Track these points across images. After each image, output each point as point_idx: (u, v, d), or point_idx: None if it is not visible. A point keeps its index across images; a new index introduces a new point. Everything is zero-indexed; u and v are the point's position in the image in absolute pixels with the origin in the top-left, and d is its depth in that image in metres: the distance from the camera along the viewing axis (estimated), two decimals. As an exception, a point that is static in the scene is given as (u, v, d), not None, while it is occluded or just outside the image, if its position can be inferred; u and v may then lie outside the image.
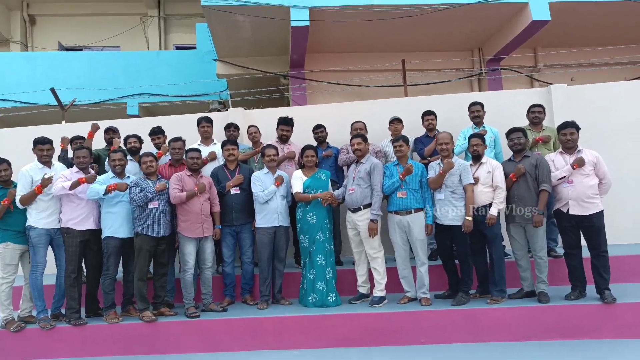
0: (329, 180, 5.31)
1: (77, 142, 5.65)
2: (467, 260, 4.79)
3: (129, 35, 14.72)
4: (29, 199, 4.70)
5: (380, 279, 4.95)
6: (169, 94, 11.70)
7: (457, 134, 5.71)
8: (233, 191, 5.32)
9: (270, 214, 5.14)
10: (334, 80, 8.74)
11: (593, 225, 4.48)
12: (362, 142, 5.07)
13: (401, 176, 4.82)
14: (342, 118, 6.44)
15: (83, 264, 5.03)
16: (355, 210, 5.00)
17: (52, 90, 7.06)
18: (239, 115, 6.72)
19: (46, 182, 4.71)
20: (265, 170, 5.30)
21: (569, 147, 4.64)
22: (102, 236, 4.91)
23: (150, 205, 4.85)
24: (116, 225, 4.89)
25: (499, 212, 4.72)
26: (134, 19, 14.94)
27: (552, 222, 5.25)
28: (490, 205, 4.70)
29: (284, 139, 5.95)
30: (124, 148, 5.68)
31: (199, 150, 5.19)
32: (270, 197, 5.13)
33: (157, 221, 4.85)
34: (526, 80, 9.74)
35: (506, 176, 4.75)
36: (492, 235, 4.70)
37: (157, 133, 5.90)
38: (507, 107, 6.36)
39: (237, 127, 6.25)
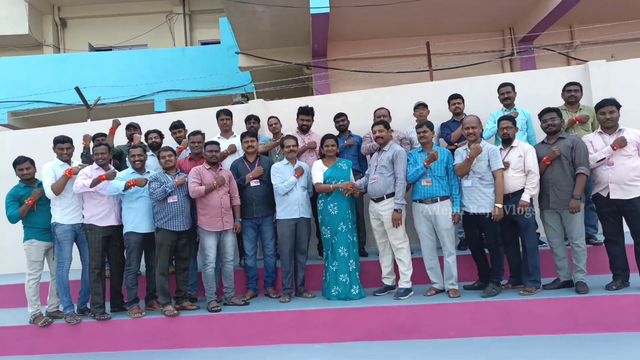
0: (350, 170, 5.13)
1: (99, 139, 5.68)
2: (498, 250, 4.52)
3: (156, 33, 14.91)
4: (61, 185, 4.74)
5: (406, 270, 4.75)
6: (195, 89, 11.78)
7: (486, 118, 5.42)
8: (253, 183, 5.22)
9: (290, 206, 5.02)
10: (357, 68, 8.51)
11: (636, 210, 4.13)
12: (384, 129, 4.85)
13: (425, 163, 4.59)
14: (365, 106, 6.24)
15: (106, 260, 5.06)
16: (378, 199, 4.81)
17: (77, 89, 7.15)
18: (259, 107, 6.61)
19: (76, 170, 4.78)
20: (285, 161, 5.16)
21: (609, 126, 4.29)
22: (124, 232, 4.90)
23: (170, 200, 4.80)
24: (137, 220, 4.88)
25: (531, 199, 4.43)
26: (160, 17, 15.11)
27: (590, 207, 4.91)
28: (523, 191, 4.41)
29: (304, 129, 5.81)
30: (145, 143, 5.67)
31: (217, 144, 5.10)
32: (290, 188, 5.00)
33: (176, 215, 4.80)
34: (562, 59, 9.22)
35: (539, 160, 4.44)
36: (524, 223, 4.42)
37: (177, 127, 5.87)
38: (540, 88, 5.99)
39: (257, 119, 6.15)
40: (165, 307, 4.79)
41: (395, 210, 4.65)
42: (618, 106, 4.28)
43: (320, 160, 5.13)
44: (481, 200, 4.47)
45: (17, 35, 14.01)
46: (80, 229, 4.92)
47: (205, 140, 5.34)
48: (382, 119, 5.60)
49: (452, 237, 4.63)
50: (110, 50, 14.69)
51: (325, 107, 6.26)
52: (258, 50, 9.04)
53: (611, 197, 4.19)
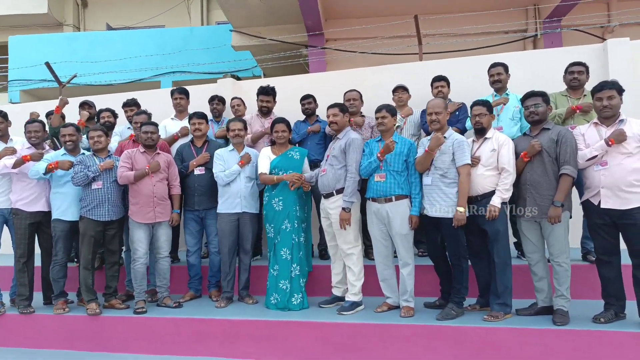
0: (304, 160, 4.44)
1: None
2: (460, 263, 3.72)
3: (173, 13, 14.60)
4: None
5: (355, 280, 4.04)
6: (202, 70, 11.35)
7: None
8: (197, 171, 4.65)
9: (232, 198, 4.40)
10: (356, 47, 7.72)
11: (636, 224, 3.22)
12: (339, 112, 4.13)
13: (379, 155, 3.84)
14: (346, 87, 5.48)
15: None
16: (327, 195, 4.11)
17: (47, 64, 6.79)
18: (227, 87, 5.99)
19: (3, 153, 4.38)
20: (231, 147, 4.55)
21: (607, 116, 3.38)
22: (52, 219, 4.47)
23: (94, 186, 4.31)
24: (64, 206, 4.43)
25: (506, 204, 3.60)
26: (178, -1, 14.80)
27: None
28: (494, 193, 3.59)
29: (264, 111, 5.15)
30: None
31: (154, 124, 4.54)
32: (231, 178, 4.38)
33: (101, 203, 4.30)
34: (595, 42, 7.99)
35: (517, 156, 3.60)
36: (493, 232, 3.59)
37: (130, 105, 5.37)
38: (544, 70, 5.04)
39: (222, 100, 5.58)
40: (88, 305, 4.34)
41: (343, 208, 3.93)
42: (620, 90, 3.36)
43: (269, 148, 4.47)
44: (442, 201, 3.67)
45: (37, 14, 14.05)
46: (9, 213, 4.53)
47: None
48: (352, 103, 4.90)
49: (408, 244, 3.87)
50: (127, 30, 14.50)
51: (297, 88, 5.56)
52: (252, 29, 8.41)
53: (602, 205, 3.30)
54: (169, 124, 5.27)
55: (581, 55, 5.07)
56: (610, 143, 3.24)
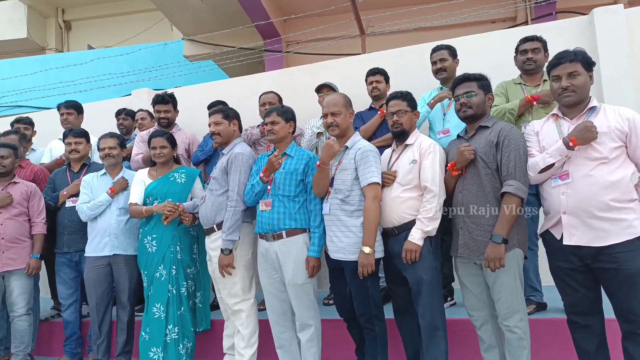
0: (192, 183, 3.41)
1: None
2: (372, 325, 2.58)
3: (156, 30, 14.01)
4: None
5: (244, 348, 2.94)
6: (177, 85, 10.59)
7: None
8: (69, 203, 3.68)
9: (99, 237, 3.40)
10: (317, 48, 6.70)
11: (619, 269, 2.04)
12: (222, 120, 3.10)
13: (262, 173, 2.78)
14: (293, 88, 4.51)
15: None
16: (208, 231, 3.07)
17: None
18: (143, 99, 5.06)
19: None
20: (103, 171, 3.57)
21: (568, 102, 2.22)
22: None
23: None
24: None
25: (430, 239, 2.47)
26: (160, 14, 14.21)
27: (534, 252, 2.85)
28: (414, 223, 2.47)
29: (163, 124, 4.15)
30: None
31: (8, 146, 3.61)
32: (97, 211, 3.39)
33: None
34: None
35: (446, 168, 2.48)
36: (415, 281, 2.45)
37: (23, 122, 4.49)
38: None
39: (130, 114, 4.65)
40: None
41: (221, 250, 2.88)
42: (588, 64, 2.20)
43: (146, 169, 3.47)
44: (343, 237, 2.57)
45: (16, 39, 13.67)
46: None
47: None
48: (267, 107, 3.86)
49: (307, 297, 2.76)
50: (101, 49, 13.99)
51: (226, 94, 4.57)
52: (205, 37, 7.51)
53: (565, 241, 2.13)
54: (55, 146, 4.37)
55: (564, 31, 3.92)
56: (571, 144, 2.08)
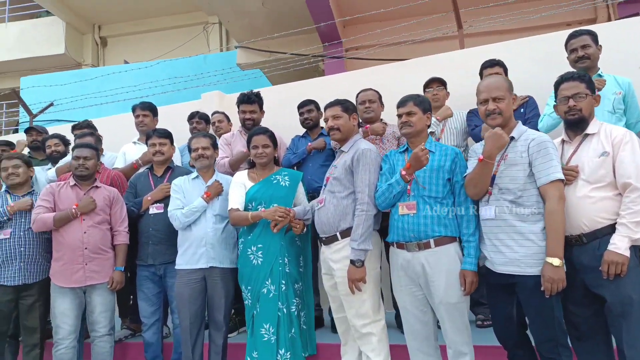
0: (296, 187, 3.02)
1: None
2: (556, 351, 2.10)
3: (192, 44, 13.93)
4: None
5: (377, 380, 2.49)
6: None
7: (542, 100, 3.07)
8: (154, 209, 3.31)
9: (194, 248, 3.01)
10: (379, 53, 6.33)
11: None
12: (342, 113, 2.71)
13: (403, 171, 2.36)
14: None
15: None
16: (328, 240, 2.64)
17: (15, 93, 5.82)
18: (214, 102, 4.72)
19: None
20: (195, 174, 3.20)
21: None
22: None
23: (0, 236, 3.04)
24: (-34, 267, 3.18)
25: (635, 249, 2.01)
26: (196, 29, 14.19)
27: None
28: (613, 229, 2.02)
29: (248, 125, 3.78)
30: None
31: (90, 147, 3.27)
32: (193, 218, 3.01)
33: (8, 260, 3.04)
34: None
35: None
36: (618, 301, 1.99)
37: (82, 128, 4.17)
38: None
39: (204, 117, 4.33)
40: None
41: (351, 262, 2.45)
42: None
43: (245, 172, 3.09)
44: (516, 247, 2.13)
45: (54, 55, 13.67)
46: None
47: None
48: (368, 106, 3.47)
49: (461, 319, 2.31)
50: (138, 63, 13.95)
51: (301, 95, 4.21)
52: (260, 43, 7.21)
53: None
54: (129, 150, 4.03)
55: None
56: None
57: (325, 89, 4.43)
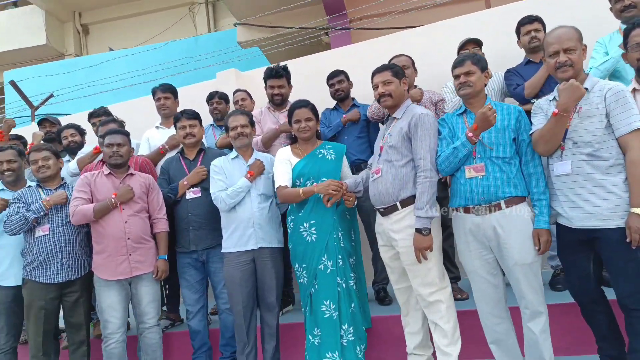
0: (342, 159, 2.93)
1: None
2: (638, 310, 2.09)
3: (178, 27, 13.53)
4: None
5: (447, 346, 2.45)
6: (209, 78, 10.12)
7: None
8: (190, 194, 3.19)
9: (241, 230, 2.91)
10: (387, 23, 6.20)
11: None
12: (393, 78, 2.60)
13: (469, 133, 2.28)
14: (382, 61, 3.98)
15: None
16: (387, 210, 2.56)
17: (12, 83, 5.58)
18: (230, 81, 4.57)
19: None
20: (234, 153, 3.08)
21: None
22: (-9, 284, 3.09)
23: (38, 232, 2.91)
24: (3, 267, 3.06)
25: None
26: (182, 11, 13.76)
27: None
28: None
29: (277, 101, 3.66)
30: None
31: (123, 133, 3.13)
32: (238, 198, 2.90)
33: (49, 258, 2.90)
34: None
35: None
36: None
37: (98, 115, 4.00)
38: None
39: (223, 97, 4.17)
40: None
41: (417, 230, 2.38)
42: None
43: (288, 148, 2.98)
44: (598, 200, 2.08)
45: (36, 47, 13.19)
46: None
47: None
48: (389, 64, 3.32)
49: (536, 280, 2.28)
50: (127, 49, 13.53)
51: (326, 66, 4.07)
52: (260, 19, 6.99)
53: None
54: (153, 135, 3.87)
55: None
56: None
57: (335, 62, 4.29)
